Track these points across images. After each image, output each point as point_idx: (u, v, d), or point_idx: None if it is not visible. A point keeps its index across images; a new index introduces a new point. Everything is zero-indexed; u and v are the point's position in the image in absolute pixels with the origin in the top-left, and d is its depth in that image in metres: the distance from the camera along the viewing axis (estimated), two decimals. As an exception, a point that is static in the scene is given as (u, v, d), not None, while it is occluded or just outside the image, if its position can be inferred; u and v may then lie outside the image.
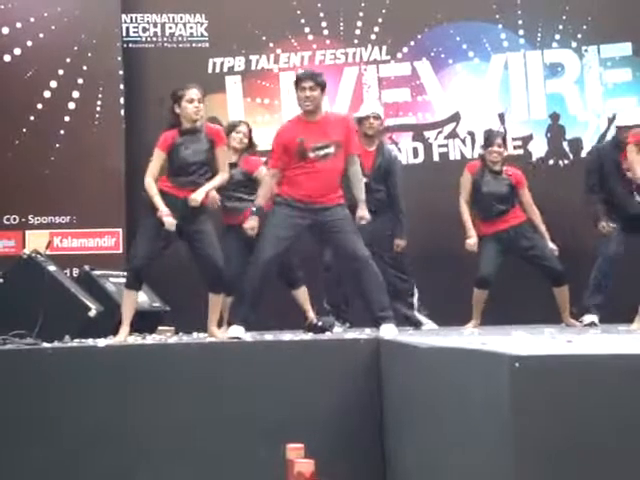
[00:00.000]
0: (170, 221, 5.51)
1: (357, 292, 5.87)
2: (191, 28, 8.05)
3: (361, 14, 8.12)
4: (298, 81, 5.81)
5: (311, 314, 6.43)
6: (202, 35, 8.06)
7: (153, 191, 5.61)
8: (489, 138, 7.00)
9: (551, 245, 6.83)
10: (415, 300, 6.82)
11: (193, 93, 5.69)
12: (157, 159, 5.69)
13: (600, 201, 6.88)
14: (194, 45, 8.05)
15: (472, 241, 6.80)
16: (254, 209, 5.85)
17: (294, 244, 5.85)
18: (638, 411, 2.72)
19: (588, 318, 6.81)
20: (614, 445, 2.72)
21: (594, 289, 6.88)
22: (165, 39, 8.05)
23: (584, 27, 8.07)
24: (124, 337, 5.57)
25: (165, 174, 5.67)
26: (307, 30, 8.11)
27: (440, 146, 8.13)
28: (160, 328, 6.46)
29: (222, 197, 6.01)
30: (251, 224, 5.80)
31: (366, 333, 5.64)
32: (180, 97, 5.67)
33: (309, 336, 5.80)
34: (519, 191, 6.92)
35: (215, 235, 5.73)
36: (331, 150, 5.73)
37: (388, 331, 5.53)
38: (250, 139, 6.58)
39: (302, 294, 6.51)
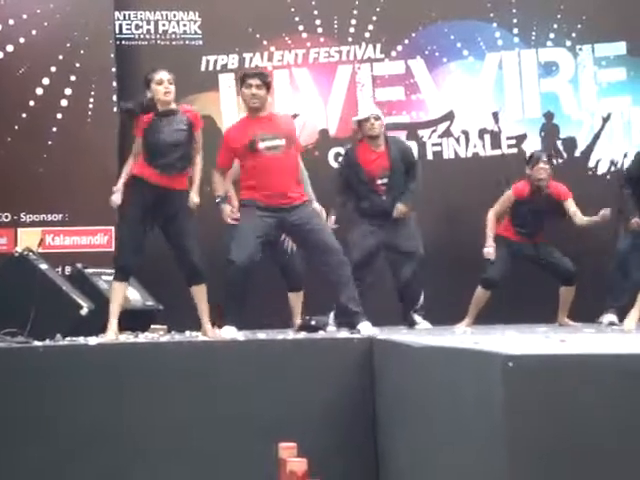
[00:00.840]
0: (113, 199, 5.63)
1: (334, 287, 5.81)
2: (184, 26, 8.03)
3: (355, 12, 8.10)
4: (245, 78, 5.87)
5: (298, 320, 6.45)
6: (195, 33, 8.04)
7: (123, 173, 5.73)
8: (534, 156, 7.02)
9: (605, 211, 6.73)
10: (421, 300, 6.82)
11: (162, 74, 5.69)
12: (136, 145, 5.75)
13: (631, 197, 6.84)
14: (187, 43, 8.02)
15: (491, 250, 6.82)
16: (219, 199, 5.92)
17: (266, 243, 5.87)
18: (632, 411, 2.71)
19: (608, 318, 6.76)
20: (608, 445, 2.71)
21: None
22: (158, 37, 8.03)
23: (578, 26, 8.06)
24: (114, 334, 5.54)
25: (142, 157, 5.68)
26: (301, 28, 8.09)
27: (434, 145, 8.12)
28: (153, 327, 6.44)
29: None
30: (227, 213, 5.87)
31: (360, 332, 5.63)
32: (150, 80, 5.67)
33: (302, 335, 5.78)
34: (564, 203, 6.91)
35: (194, 226, 5.74)
36: (282, 142, 5.78)
37: (368, 328, 5.53)
38: None
39: (297, 298, 6.51)
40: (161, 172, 5.60)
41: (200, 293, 5.73)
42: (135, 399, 4.79)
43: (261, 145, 5.74)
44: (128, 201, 5.66)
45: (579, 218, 6.82)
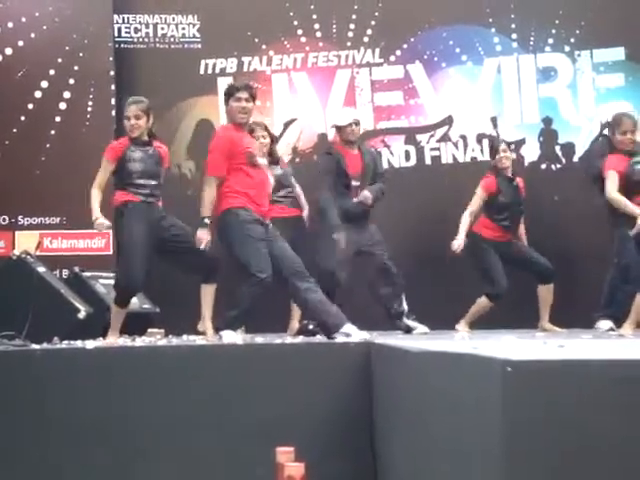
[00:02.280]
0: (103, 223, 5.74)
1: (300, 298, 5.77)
2: (183, 29, 8.03)
3: (354, 17, 8.11)
4: (234, 91, 5.78)
5: (296, 324, 6.45)
6: (194, 36, 8.04)
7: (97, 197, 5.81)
8: (493, 145, 7.07)
9: None
10: (404, 305, 6.81)
11: (129, 110, 5.83)
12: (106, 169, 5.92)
13: None
14: (186, 46, 8.03)
15: (459, 244, 6.82)
16: (206, 220, 5.69)
17: None
18: (630, 417, 2.71)
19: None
20: (606, 451, 2.70)
21: None
22: (157, 40, 8.03)
23: (577, 31, 8.07)
24: (114, 340, 5.55)
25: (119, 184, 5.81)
26: (300, 32, 8.09)
27: (432, 149, 8.11)
28: (150, 330, 6.44)
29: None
30: (205, 237, 5.64)
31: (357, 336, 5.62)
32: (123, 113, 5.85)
33: (300, 339, 5.78)
34: None
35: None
36: (265, 161, 5.94)
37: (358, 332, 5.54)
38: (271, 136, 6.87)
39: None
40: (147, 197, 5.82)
41: (212, 290, 5.77)
42: (132, 403, 4.78)
43: (260, 161, 5.77)
44: (130, 223, 5.71)
45: None
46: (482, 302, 6.94)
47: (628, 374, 2.75)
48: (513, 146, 8.06)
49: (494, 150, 7.07)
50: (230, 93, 5.79)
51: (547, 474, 2.71)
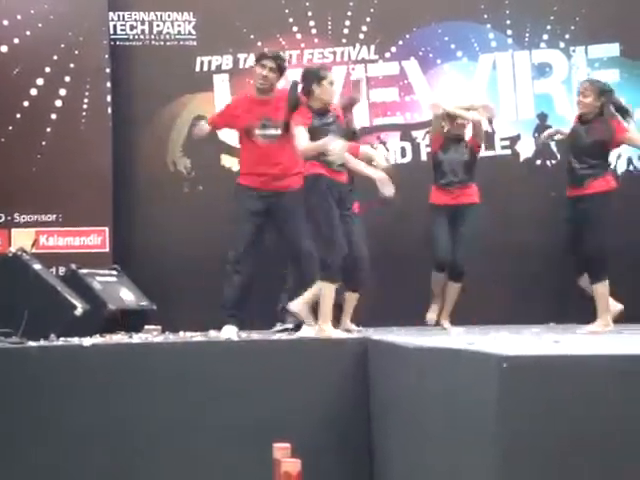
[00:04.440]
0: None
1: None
2: (179, 26, 8.02)
3: (349, 13, 8.10)
4: (261, 57, 6.11)
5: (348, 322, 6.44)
6: (190, 33, 8.03)
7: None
8: (450, 115, 6.99)
9: None
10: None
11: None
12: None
13: None
14: (182, 43, 8.01)
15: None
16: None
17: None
18: (627, 411, 2.72)
19: None
20: (603, 445, 2.72)
21: None
22: (153, 37, 8.01)
23: (572, 27, 8.07)
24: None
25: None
26: (295, 29, 8.09)
27: (427, 146, 8.10)
28: (147, 327, 6.43)
29: None
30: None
31: (356, 332, 5.64)
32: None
33: (296, 335, 5.78)
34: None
35: None
36: (278, 132, 5.83)
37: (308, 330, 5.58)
38: None
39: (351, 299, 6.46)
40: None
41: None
42: (129, 399, 4.78)
43: (257, 132, 5.82)
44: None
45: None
46: (449, 288, 6.90)
47: (623, 369, 2.77)
48: (508, 142, 8.09)
49: (452, 117, 7.04)
50: (258, 58, 6.12)
51: (543, 469, 2.72)
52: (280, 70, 6.06)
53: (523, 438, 2.73)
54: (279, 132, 5.79)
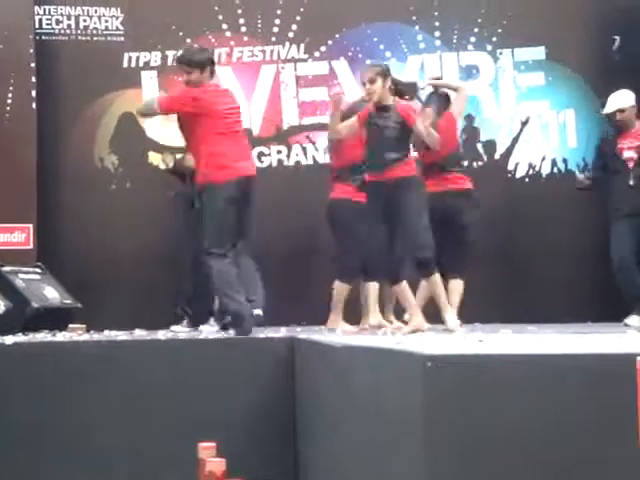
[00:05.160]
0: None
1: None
2: (106, 21, 7.93)
3: (279, 12, 8.09)
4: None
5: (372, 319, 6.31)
6: (117, 29, 7.94)
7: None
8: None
9: None
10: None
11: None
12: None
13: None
14: (109, 39, 7.92)
15: None
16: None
17: None
18: (548, 409, 2.76)
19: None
20: (525, 443, 2.75)
21: None
22: (79, 32, 7.91)
23: (499, 30, 8.16)
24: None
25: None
26: (225, 26, 8.05)
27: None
28: (71, 326, 6.35)
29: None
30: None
31: (281, 331, 5.64)
32: None
33: (222, 334, 5.76)
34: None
35: None
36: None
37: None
38: None
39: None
40: None
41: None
42: (53, 398, 4.72)
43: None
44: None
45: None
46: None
47: (543, 367, 2.81)
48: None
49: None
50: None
51: (467, 465, 2.75)
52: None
53: (448, 435, 2.75)
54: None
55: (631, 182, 6.61)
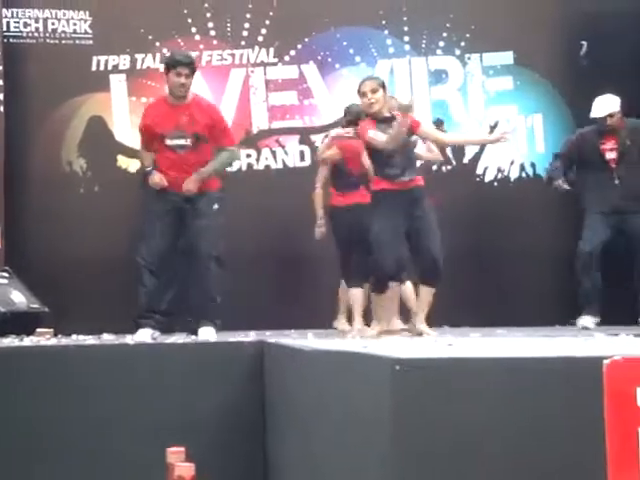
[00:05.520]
0: None
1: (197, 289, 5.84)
2: (75, 25, 7.89)
3: (248, 16, 8.09)
4: (176, 65, 5.80)
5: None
6: (86, 32, 7.90)
7: None
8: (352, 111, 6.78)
9: None
10: None
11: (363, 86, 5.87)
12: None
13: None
14: (77, 42, 7.88)
15: None
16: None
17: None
18: (517, 412, 2.78)
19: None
20: (494, 447, 2.76)
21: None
22: (47, 35, 7.86)
23: (467, 35, 8.21)
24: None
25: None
26: (194, 30, 8.03)
27: (327, 149, 8.15)
28: (38, 330, 6.31)
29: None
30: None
31: (250, 335, 5.63)
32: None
33: (191, 338, 5.74)
34: None
35: None
36: (188, 142, 5.78)
37: (210, 333, 5.63)
38: None
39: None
40: None
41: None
42: (20, 404, 4.69)
43: (168, 142, 5.72)
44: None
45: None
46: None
47: (513, 371, 2.82)
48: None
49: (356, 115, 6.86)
50: (172, 65, 5.81)
51: (435, 468, 2.76)
52: (193, 74, 5.92)
53: (416, 440, 2.76)
54: (189, 143, 5.78)
55: (617, 182, 6.77)
